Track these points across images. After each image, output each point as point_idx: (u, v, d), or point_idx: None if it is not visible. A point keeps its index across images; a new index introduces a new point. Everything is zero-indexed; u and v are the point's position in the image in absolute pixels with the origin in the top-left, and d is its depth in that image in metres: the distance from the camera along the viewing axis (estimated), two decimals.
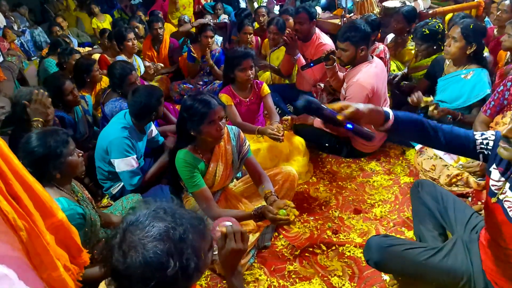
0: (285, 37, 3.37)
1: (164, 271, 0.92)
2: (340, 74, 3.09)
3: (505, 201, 1.35)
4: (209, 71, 4.31)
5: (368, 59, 2.84)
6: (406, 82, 3.54)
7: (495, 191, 1.39)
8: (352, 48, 2.79)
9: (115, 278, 0.96)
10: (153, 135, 2.85)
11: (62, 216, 1.32)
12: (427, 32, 3.22)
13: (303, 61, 3.50)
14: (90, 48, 5.63)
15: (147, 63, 4.05)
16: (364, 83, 2.74)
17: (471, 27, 2.64)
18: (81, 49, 5.45)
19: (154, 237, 0.93)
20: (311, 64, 3.16)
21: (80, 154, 1.85)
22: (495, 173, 1.39)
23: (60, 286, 1.20)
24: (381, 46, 3.52)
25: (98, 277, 1.66)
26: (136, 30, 5.15)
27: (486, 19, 4.28)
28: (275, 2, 7.30)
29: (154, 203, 1.03)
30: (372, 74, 2.79)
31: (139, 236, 0.94)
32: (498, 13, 3.63)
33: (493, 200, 1.39)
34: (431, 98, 2.75)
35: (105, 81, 3.71)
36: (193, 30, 4.93)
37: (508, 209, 1.34)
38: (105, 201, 2.77)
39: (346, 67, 3.00)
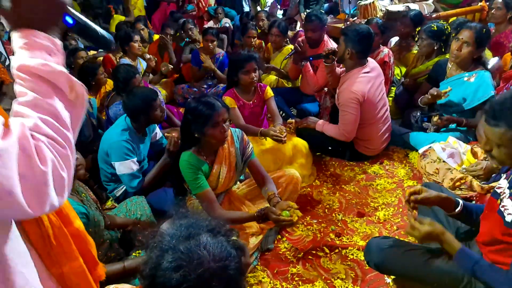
0: (296, 45, 3.42)
1: (243, 253, 0.97)
2: (338, 70, 3.12)
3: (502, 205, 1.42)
4: (213, 74, 4.33)
5: (363, 64, 2.86)
6: (408, 79, 3.56)
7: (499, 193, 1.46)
8: (343, 45, 2.85)
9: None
10: (157, 138, 2.86)
11: (79, 225, 1.28)
12: (435, 28, 3.24)
13: (310, 68, 3.54)
14: (95, 52, 5.66)
15: (148, 56, 4.06)
16: (354, 89, 2.78)
17: (484, 32, 2.65)
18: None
19: (217, 248, 0.93)
20: (310, 58, 3.24)
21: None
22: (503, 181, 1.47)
23: (82, 279, 1.18)
24: (385, 50, 3.53)
25: (116, 274, 1.67)
26: (142, 32, 5.18)
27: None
28: (278, 6, 7.33)
29: (165, 240, 0.97)
30: (363, 80, 2.81)
31: (207, 265, 0.90)
32: (492, 10, 3.65)
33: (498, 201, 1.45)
34: (449, 88, 2.74)
35: (109, 84, 3.73)
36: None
37: (502, 208, 1.42)
38: (109, 203, 2.77)
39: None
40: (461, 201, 1.65)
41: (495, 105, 1.37)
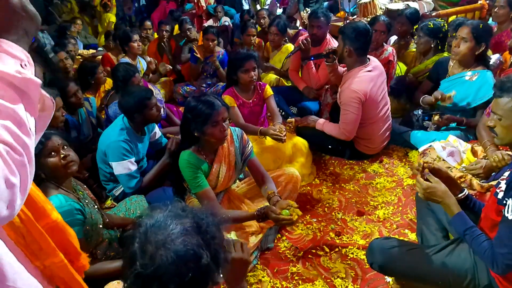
0: (300, 43, 3.41)
1: (198, 262, 0.92)
2: (340, 69, 3.11)
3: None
4: (212, 73, 4.33)
5: (364, 62, 2.85)
6: (410, 75, 3.56)
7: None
8: (341, 43, 2.85)
9: (142, 285, 0.92)
10: (156, 137, 2.85)
11: (56, 217, 1.29)
12: (432, 26, 3.28)
13: (313, 66, 3.53)
14: (94, 50, 5.65)
15: (149, 59, 4.07)
16: (355, 88, 2.77)
17: (480, 27, 2.65)
18: (85, 52, 5.49)
19: (181, 233, 0.94)
20: (312, 58, 3.24)
21: (63, 155, 1.76)
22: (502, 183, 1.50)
23: (64, 273, 1.18)
24: (389, 49, 3.52)
25: (109, 272, 1.67)
26: (149, 31, 5.18)
27: (490, 20, 4.28)
28: (277, 4, 7.32)
29: (165, 206, 1.03)
30: (365, 79, 2.80)
31: (165, 235, 0.93)
32: (495, 9, 3.65)
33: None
34: (453, 92, 2.74)
35: (109, 83, 3.72)
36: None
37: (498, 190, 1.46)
38: (108, 202, 2.77)
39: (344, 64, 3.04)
40: (466, 190, 1.70)
41: (505, 78, 1.54)
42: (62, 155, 1.75)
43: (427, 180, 1.61)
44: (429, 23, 3.31)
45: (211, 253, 0.95)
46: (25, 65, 0.78)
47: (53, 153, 1.73)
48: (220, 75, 4.24)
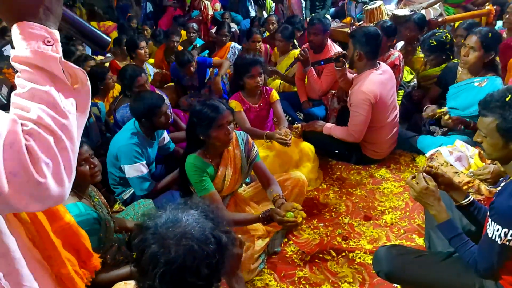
0: (299, 54, 3.42)
1: (219, 243, 0.97)
2: (349, 75, 3.12)
3: None
4: (199, 85, 4.27)
5: (374, 66, 2.87)
6: (418, 93, 3.54)
7: None
8: (351, 48, 2.87)
9: (172, 281, 0.94)
10: (165, 142, 2.88)
11: (69, 219, 1.31)
12: (435, 43, 3.25)
13: (314, 73, 3.54)
14: (103, 57, 5.72)
15: (155, 70, 4.11)
16: (366, 90, 2.78)
17: (489, 35, 2.64)
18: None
19: (195, 221, 0.98)
20: (321, 63, 3.24)
21: (93, 165, 1.80)
22: None
23: (70, 284, 1.20)
24: (396, 53, 3.52)
25: (118, 279, 1.69)
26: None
27: (499, 25, 4.25)
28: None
29: (163, 208, 1.05)
30: (376, 81, 2.82)
31: (182, 227, 0.96)
32: (507, 15, 3.63)
33: None
34: (445, 108, 2.74)
35: (117, 89, 3.76)
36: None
37: None
38: (116, 206, 2.79)
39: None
40: (471, 196, 1.69)
41: (488, 97, 1.50)
42: (92, 165, 1.79)
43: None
44: (431, 40, 3.27)
45: (226, 233, 1.01)
46: (48, 41, 0.76)
47: (83, 162, 1.75)
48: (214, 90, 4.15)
